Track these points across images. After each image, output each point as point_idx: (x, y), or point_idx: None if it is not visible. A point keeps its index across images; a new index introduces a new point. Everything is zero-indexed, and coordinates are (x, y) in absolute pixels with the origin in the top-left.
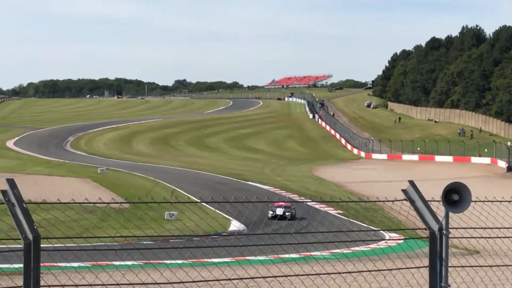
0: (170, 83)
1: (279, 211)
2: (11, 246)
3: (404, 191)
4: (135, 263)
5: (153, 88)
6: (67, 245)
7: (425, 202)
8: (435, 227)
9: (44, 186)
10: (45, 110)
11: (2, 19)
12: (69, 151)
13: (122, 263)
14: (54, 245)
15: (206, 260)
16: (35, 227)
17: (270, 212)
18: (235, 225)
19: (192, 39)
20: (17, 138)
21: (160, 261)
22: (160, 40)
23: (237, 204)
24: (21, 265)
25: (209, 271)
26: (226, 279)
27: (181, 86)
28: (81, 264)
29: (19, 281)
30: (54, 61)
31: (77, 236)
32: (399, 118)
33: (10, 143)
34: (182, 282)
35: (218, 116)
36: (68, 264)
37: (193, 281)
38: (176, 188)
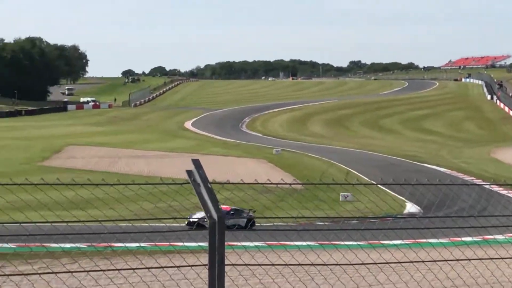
0: (344, 64)
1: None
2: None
3: None
4: (315, 243)
5: (327, 70)
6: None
7: None
8: None
9: (221, 166)
10: (221, 91)
11: (180, 2)
12: (245, 132)
13: (303, 243)
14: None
15: (386, 242)
16: (220, 207)
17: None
18: (411, 207)
19: (367, 19)
20: (194, 119)
21: (341, 242)
22: (334, 21)
23: (411, 187)
24: (206, 243)
25: (390, 253)
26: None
27: (355, 67)
28: (263, 244)
29: (205, 259)
30: (230, 43)
31: (259, 216)
32: None
33: (188, 124)
34: (376, 263)
35: (393, 97)
36: (250, 244)
37: (386, 263)
38: (350, 169)
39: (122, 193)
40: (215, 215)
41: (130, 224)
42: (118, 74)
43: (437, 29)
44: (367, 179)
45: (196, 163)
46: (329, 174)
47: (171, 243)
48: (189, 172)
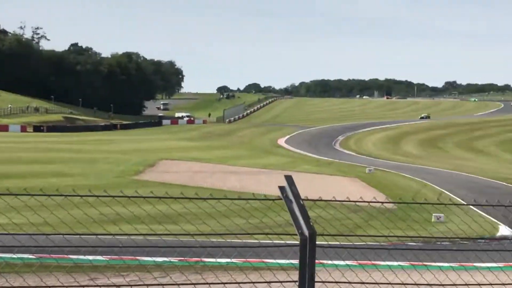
0: (440, 84)
1: None
2: (288, 241)
3: None
4: (406, 263)
5: (422, 89)
6: (341, 242)
7: None
8: None
9: (313, 184)
10: (315, 109)
11: (274, 21)
12: (338, 150)
13: (395, 263)
14: (329, 242)
15: (479, 264)
16: (311, 224)
17: None
18: (506, 231)
19: (464, 39)
20: (288, 136)
21: (432, 263)
22: (432, 41)
23: (503, 209)
24: (297, 261)
25: (482, 275)
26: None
27: (451, 87)
28: (354, 263)
29: (295, 276)
30: (325, 61)
31: (351, 234)
32: None
33: (281, 141)
34: (455, 285)
35: (489, 118)
36: (341, 262)
37: (466, 284)
38: (443, 190)
39: (215, 208)
40: (306, 232)
41: (222, 239)
42: (213, 90)
43: None
44: (460, 200)
45: (289, 179)
46: (422, 195)
47: (262, 259)
48: (281, 188)
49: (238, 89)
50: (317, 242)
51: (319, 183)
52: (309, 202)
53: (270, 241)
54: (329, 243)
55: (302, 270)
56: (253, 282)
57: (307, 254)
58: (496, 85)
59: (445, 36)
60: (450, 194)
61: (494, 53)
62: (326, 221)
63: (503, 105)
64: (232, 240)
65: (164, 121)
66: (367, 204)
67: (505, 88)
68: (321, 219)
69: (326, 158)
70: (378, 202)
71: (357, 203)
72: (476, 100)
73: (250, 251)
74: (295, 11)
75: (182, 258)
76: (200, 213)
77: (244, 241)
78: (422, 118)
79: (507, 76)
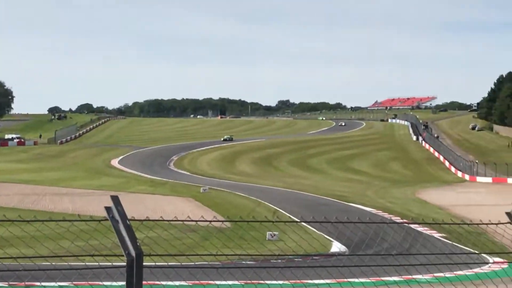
0: (273, 103)
1: None
2: (114, 263)
3: (508, 214)
4: (236, 282)
5: (256, 108)
6: (169, 263)
7: None
8: None
9: (147, 204)
10: (150, 129)
11: (108, 40)
12: (173, 170)
13: (224, 282)
14: (157, 263)
15: (307, 281)
16: (138, 244)
17: None
18: (336, 246)
19: (296, 59)
20: (121, 156)
21: (262, 281)
22: (264, 61)
23: (339, 225)
24: (124, 282)
25: None
26: None
27: (284, 106)
28: (183, 283)
29: None
30: (159, 81)
31: (179, 254)
32: None
33: (115, 162)
34: None
35: (321, 137)
36: (170, 282)
37: None
38: (278, 209)
39: (40, 231)
40: (133, 252)
41: (47, 262)
42: (44, 111)
43: (364, 70)
44: (295, 218)
45: (115, 200)
46: (256, 213)
47: (88, 282)
48: (107, 209)
49: (70, 110)
50: (144, 263)
51: (153, 203)
52: (137, 223)
53: (96, 263)
54: (157, 263)
55: None
56: None
57: (134, 275)
58: (328, 103)
59: (277, 56)
60: (284, 212)
61: (326, 73)
62: (154, 242)
63: (334, 123)
64: (57, 263)
65: None
66: (202, 224)
67: (337, 107)
68: (149, 240)
69: (160, 178)
70: (206, 221)
71: (191, 223)
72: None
73: (76, 273)
74: (125, 32)
75: (5, 283)
76: (24, 236)
77: (69, 263)
78: (225, 140)
79: (339, 95)
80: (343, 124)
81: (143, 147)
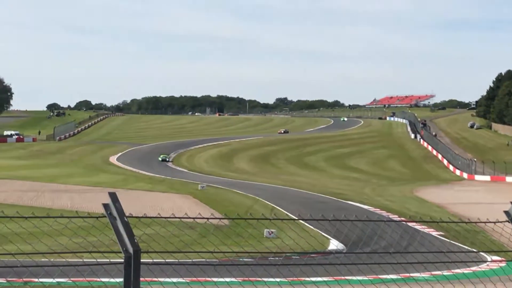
0: (271, 101)
1: None
2: (112, 259)
3: (506, 212)
4: (233, 279)
5: (254, 106)
6: (167, 260)
7: None
8: None
9: (145, 201)
10: (148, 126)
11: (106, 36)
12: (171, 168)
13: (221, 279)
14: (154, 260)
15: (304, 278)
16: (136, 241)
17: None
18: (334, 244)
19: (294, 57)
20: (120, 153)
21: (259, 279)
22: (262, 58)
23: (336, 223)
24: (122, 279)
25: None
26: None
27: (282, 104)
28: (180, 280)
29: None
30: (157, 78)
31: (177, 251)
32: None
33: (113, 159)
34: None
35: (319, 134)
36: (167, 279)
37: None
38: (275, 206)
39: (38, 227)
40: (130, 249)
41: (45, 259)
42: (43, 107)
43: (362, 67)
44: (292, 215)
45: (113, 196)
46: (254, 210)
47: (85, 278)
48: (105, 206)
49: (69, 107)
50: (142, 260)
51: (151, 200)
52: (134, 220)
53: (94, 260)
54: (154, 260)
55: None
56: None
57: (132, 272)
58: (326, 101)
59: (275, 53)
60: (282, 210)
61: (324, 70)
62: (151, 239)
63: (332, 121)
64: (55, 259)
65: None
66: (200, 221)
67: (334, 104)
68: (146, 237)
69: (158, 176)
70: (203, 218)
71: (188, 220)
72: (345, 119)
73: (74, 270)
74: (123, 29)
75: (3, 279)
76: (22, 232)
77: (67, 260)
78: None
79: (337, 93)
80: (345, 119)
81: (142, 144)
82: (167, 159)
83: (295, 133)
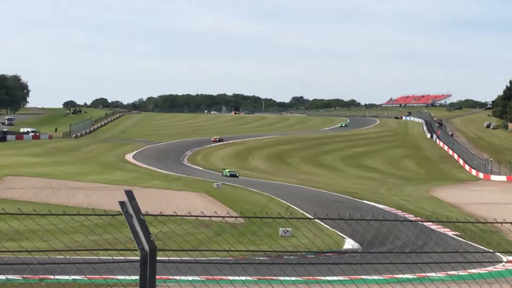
0: (287, 99)
1: None
2: (128, 257)
3: None
4: (249, 278)
5: (270, 105)
6: (183, 258)
7: None
8: None
9: (160, 199)
10: (164, 124)
11: (123, 35)
12: (186, 166)
13: (237, 277)
14: (170, 258)
15: (320, 277)
16: (152, 239)
17: None
18: (349, 243)
19: (310, 56)
20: (136, 151)
21: (274, 277)
22: (278, 57)
23: (352, 222)
24: (137, 277)
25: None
26: None
27: (298, 103)
28: (196, 278)
29: None
30: (174, 76)
31: (192, 249)
32: None
33: (129, 156)
34: None
35: (334, 134)
36: (183, 277)
37: None
38: (290, 205)
39: (54, 225)
40: (146, 247)
41: (61, 256)
42: (59, 105)
43: (378, 67)
44: (307, 214)
45: (129, 194)
46: (269, 209)
47: (102, 276)
48: (121, 203)
49: (85, 104)
50: (158, 258)
51: (167, 198)
52: (150, 218)
53: (110, 257)
54: (170, 258)
55: (142, 286)
56: None
57: (148, 270)
58: (342, 100)
59: (292, 53)
60: (297, 208)
61: (340, 70)
62: (167, 237)
63: (348, 120)
64: (71, 257)
65: (9, 137)
66: (215, 219)
67: (350, 104)
68: (162, 235)
69: (174, 174)
70: (219, 216)
71: (204, 218)
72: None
73: (90, 267)
74: (140, 27)
75: (20, 276)
76: (38, 229)
77: (83, 257)
78: (341, 126)
79: (353, 92)
80: (344, 125)
81: (157, 142)
82: (236, 174)
83: (312, 131)
